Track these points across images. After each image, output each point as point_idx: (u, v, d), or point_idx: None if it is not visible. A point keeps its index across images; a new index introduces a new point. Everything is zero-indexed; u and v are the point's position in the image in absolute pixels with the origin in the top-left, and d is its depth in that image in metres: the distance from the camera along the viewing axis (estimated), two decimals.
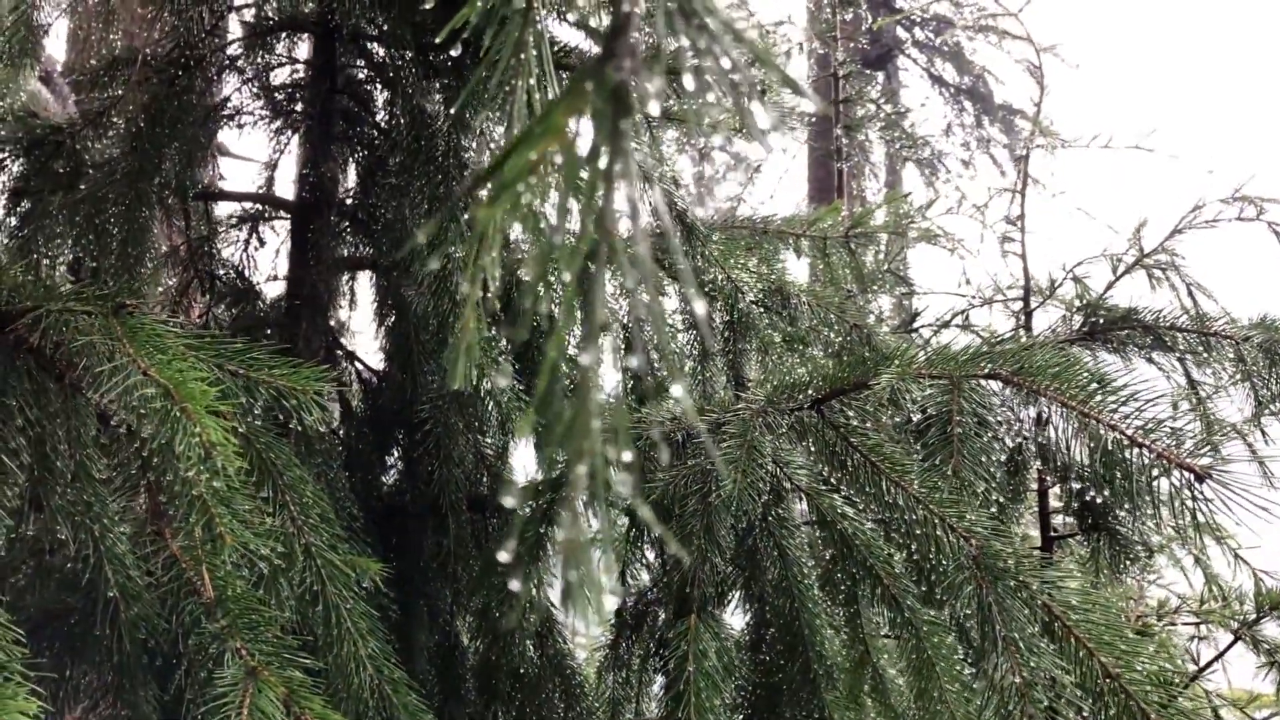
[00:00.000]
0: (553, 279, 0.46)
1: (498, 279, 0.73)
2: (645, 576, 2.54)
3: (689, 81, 0.51)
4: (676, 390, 1.86)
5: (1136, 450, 1.28)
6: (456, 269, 2.00)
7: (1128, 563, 2.47)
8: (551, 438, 0.43)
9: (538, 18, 0.76)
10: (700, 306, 2.16)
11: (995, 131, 11.32)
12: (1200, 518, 1.24)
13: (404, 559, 2.36)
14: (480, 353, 1.71)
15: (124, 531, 1.33)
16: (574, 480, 0.41)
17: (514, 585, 1.79)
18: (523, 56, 0.75)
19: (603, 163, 0.44)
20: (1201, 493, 1.22)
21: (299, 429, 1.84)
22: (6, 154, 2.31)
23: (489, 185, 0.48)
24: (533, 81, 0.76)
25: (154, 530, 1.33)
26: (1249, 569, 3.18)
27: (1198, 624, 3.33)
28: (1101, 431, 1.31)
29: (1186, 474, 1.23)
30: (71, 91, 3.75)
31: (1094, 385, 1.32)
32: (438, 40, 0.70)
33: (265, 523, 1.27)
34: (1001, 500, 1.68)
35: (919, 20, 11.08)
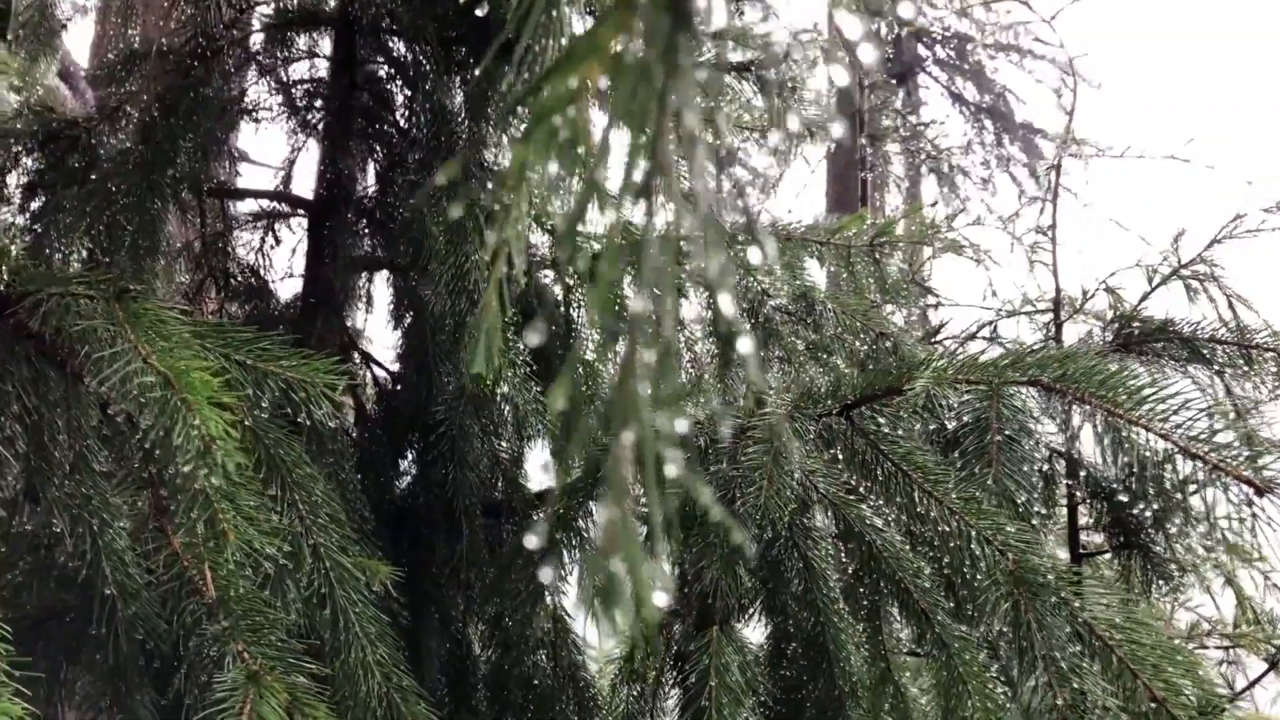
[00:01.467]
0: (595, 226, 0.41)
1: (523, 253, 0.67)
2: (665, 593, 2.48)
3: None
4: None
5: (1190, 462, 1.21)
6: (474, 269, 1.95)
7: (1160, 582, 2.39)
8: (590, 410, 0.37)
9: None
10: (726, 296, 2.10)
11: (1015, 150, 11.23)
12: (1257, 534, 1.17)
13: (416, 564, 2.30)
14: (499, 353, 1.65)
15: (124, 527, 1.27)
16: (618, 453, 0.35)
17: (544, 576, 1.73)
18: (554, 13, 0.69)
19: (657, 84, 0.38)
20: (1261, 508, 1.15)
21: (310, 427, 1.79)
22: (21, 148, 2.27)
23: (523, 118, 0.42)
24: (564, 42, 0.71)
25: (155, 526, 1.27)
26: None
27: (1229, 648, 3.25)
28: (1151, 441, 1.24)
29: (1245, 488, 1.16)
30: (90, 88, 3.72)
31: (1147, 391, 1.25)
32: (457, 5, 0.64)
33: (271, 520, 1.21)
34: (1043, 512, 1.61)
35: (939, 38, 11.02)
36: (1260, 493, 1.15)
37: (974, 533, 1.43)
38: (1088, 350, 2.07)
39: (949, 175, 9.47)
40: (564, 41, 0.68)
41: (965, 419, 1.52)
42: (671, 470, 0.35)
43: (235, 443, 1.01)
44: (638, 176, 0.36)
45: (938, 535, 1.49)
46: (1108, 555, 2.51)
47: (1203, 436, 1.21)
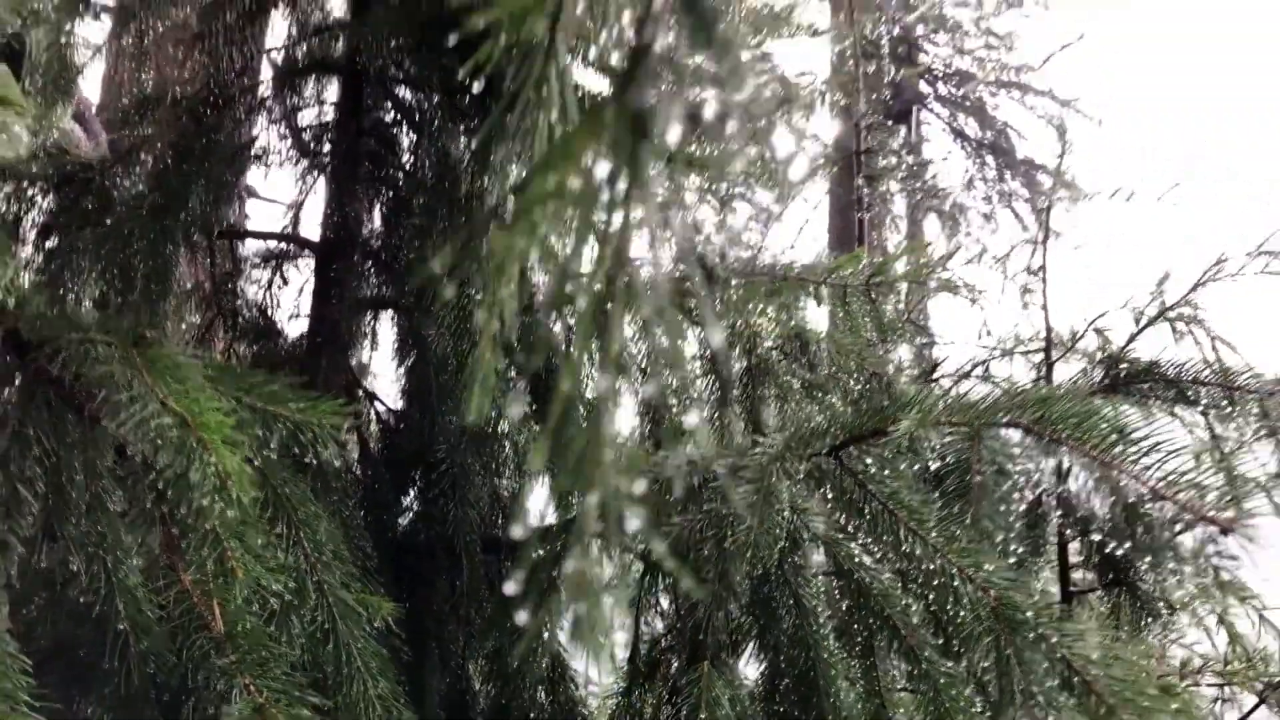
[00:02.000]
0: (568, 309, 0.46)
1: (515, 311, 0.73)
2: (660, 624, 2.52)
3: (711, 115, 0.51)
4: (691, 419, 1.86)
5: (1159, 503, 1.26)
6: (476, 309, 2.01)
7: (1149, 619, 2.43)
8: (564, 470, 0.43)
9: (559, 53, 0.76)
10: (718, 338, 2.16)
11: (1017, 186, 11.34)
12: (1224, 574, 1.22)
13: (417, 600, 2.34)
14: (497, 391, 1.71)
15: (136, 564, 1.32)
16: (585, 510, 0.41)
17: (521, 618, 1.77)
18: (544, 92, 0.75)
19: (620, 190, 0.44)
20: (1226, 547, 1.20)
21: (315, 466, 1.85)
22: (37, 190, 2.34)
23: (507, 213, 0.48)
24: (554, 117, 0.77)
25: (166, 564, 1.33)
26: (1274, 630, 3.13)
27: (1222, 685, 3.27)
28: (1123, 482, 1.29)
29: (1210, 527, 1.21)
30: (104, 129, 3.81)
31: (1114, 435, 1.30)
32: (460, 77, 0.70)
33: (278, 558, 1.26)
34: (1021, 551, 1.65)
35: (941, 75, 11.15)
36: (1224, 532, 1.20)
37: (956, 570, 1.47)
38: (1074, 391, 2.12)
39: (950, 213, 9.57)
40: (552, 114, 0.74)
41: (949, 460, 1.57)
42: (632, 525, 0.41)
43: (249, 478, 1.06)
44: (602, 274, 0.42)
45: (922, 573, 1.53)
46: (1098, 593, 2.54)
47: (1171, 479, 1.26)
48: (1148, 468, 1.28)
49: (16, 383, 1.24)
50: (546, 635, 2.13)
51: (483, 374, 0.79)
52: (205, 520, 1.16)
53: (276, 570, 1.23)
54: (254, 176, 2.56)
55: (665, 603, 2.41)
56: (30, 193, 2.34)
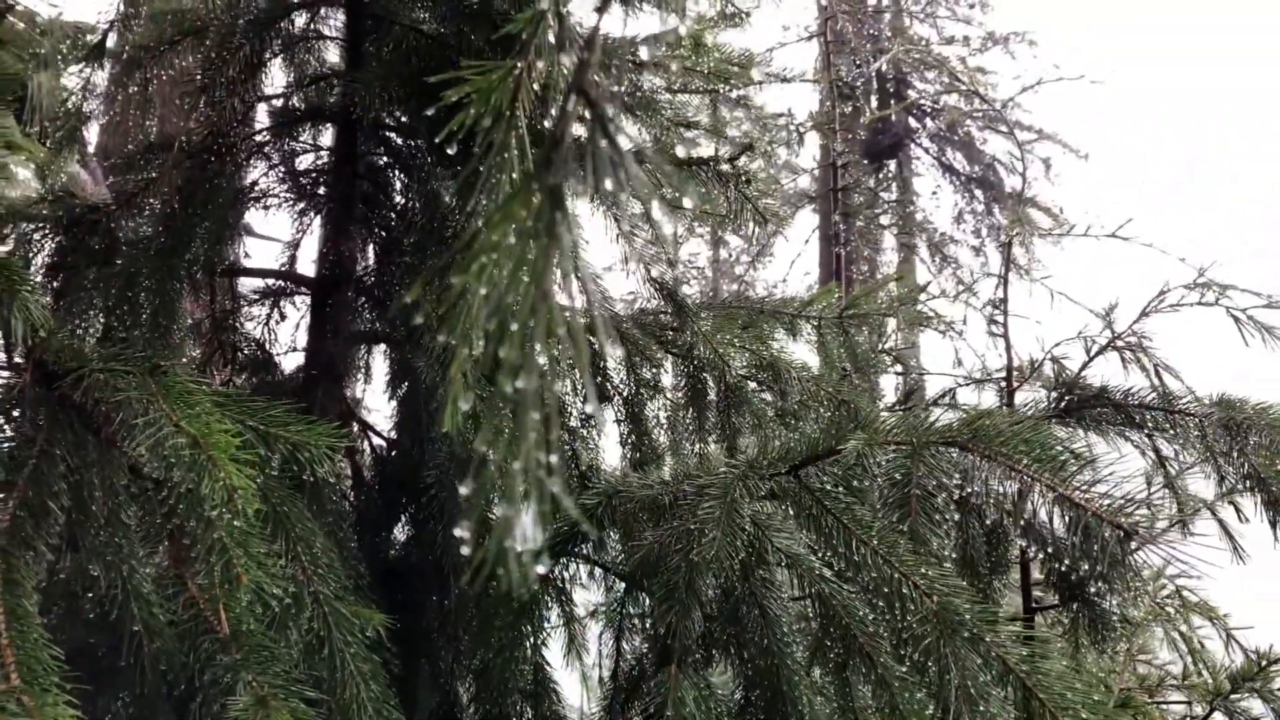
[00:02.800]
0: (508, 328, 0.60)
1: (480, 337, 0.87)
2: (640, 643, 2.64)
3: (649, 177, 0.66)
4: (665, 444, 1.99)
5: (1075, 510, 1.40)
6: (445, 336, 2.15)
7: (1106, 633, 2.55)
8: (499, 447, 0.57)
9: (518, 124, 0.93)
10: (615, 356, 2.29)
11: (1004, 219, 11.53)
12: (1135, 579, 1.35)
13: (408, 619, 2.46)
14: (479, 418, 1.84)
15: (149, 573, 1.45)
16: (513, 474, 0.54)
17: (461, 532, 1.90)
18: (504, 156, 0.91)
19: (542, 242, 0.58)
20: (1130, 549, 1.33)
21: (311, 488, 1.98)
22: (46, 232, 2.48)
23: (464, 258, 0.62)
24: (515, 175, 0.92)
25: (176, 574, 1.46)
26: (1239, 646, 3.25)
27: (1189, 702, 3.39)
28: (1040, 491, 1.43)
29: (1117, 531, 1.34)
30: (105, 173, 3.96)
31: (1036, 450, 1.44)
32: (436, 140, 0.83)
33: (278, 566, 1.39)
34: (957, 559, 1.79)
35: (929, 110, 11.36)
36: (1128, 535, 1.33)
37: (903, 577, 1.60)
38: (1025, 416, 2.26)
39: (937, 245, 9.73)
40: (513, 175, 0.89)
41: (896, 476, 1.71)
42: (552, 486, 0.55)
43: (253, 492, 1.20)
44: (528, 304, 0.56)
45: (872, 580, 1.66)
46: (1057, 609, 2.66)
47: (1085, 487, 1.40)
48: (1065, 478, 1.42)
49: (44, 408, 1.38)
50: (530, 647, 2.26)
51: (454, 392, 0.94)
52: (213, 530, 1.29)
53: (277, 576, 1.36)
54: (253, 216, 2.71)
55: (649, 624, 2.54)
56: (39, 235, 2.48)
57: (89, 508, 1.38)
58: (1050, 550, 2.34)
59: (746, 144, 2.05)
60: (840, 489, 1.79)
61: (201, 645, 1.41)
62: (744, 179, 2.06)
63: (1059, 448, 1.51)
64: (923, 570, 1.59)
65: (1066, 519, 1.52)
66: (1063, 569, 2.41)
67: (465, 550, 1.98)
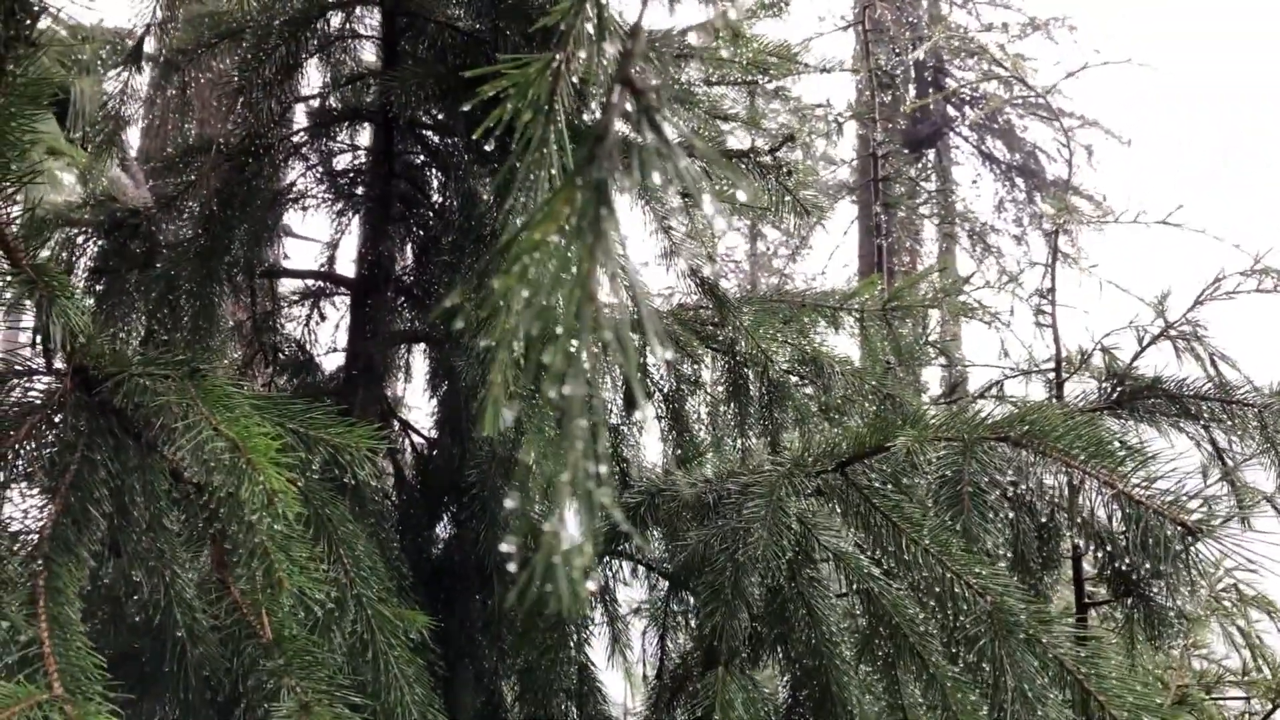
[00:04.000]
0: (552, 333, 0.57)
1: (521, 339, 0.85)
2: (685, 640, 2.62)
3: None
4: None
5: (1135, 507, 1.35)
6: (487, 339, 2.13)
7: (1162, 629, 2.49)
8: (546, 456, 0.54)
9: (557, 118, 0.90)
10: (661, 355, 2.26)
11: (1048, 207, 11.35)
12: (1196, 574, 1.31)
13: (451, 619, 2.45)
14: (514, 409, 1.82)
15: (192, 578, 1.45)
16: (560, 485, 0.52)
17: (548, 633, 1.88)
18: (544, 152, 0.88)
19: (588, 241, 0.55)
20: (1195, 547, 1.29)
21: (353, 490, 1.97)
22: (89, 236, 2.49)
23: (505, 259, 0.59)
24: (555, 171, 0.89)
25: (218, 578, 1.45)
26: None
27: (1248, 698, 3.31)
28: (1096, 488, 1.38)
29: (1180, 528, 1.30)
30: (146, 176, 3.99)
31: (1093, 446, 1.40)
32: (474, 137, 0.81)
33: (320, 570, 1.38)
34: (1009, 556, 1.74)
35: (968, 99, 11.23)
36: (1192, 534, 1.29)
37: (955, 576, 1.57)
38: (1065, 408, 2.21)
39: (979, 235, 9.62)
40: (553, 171, 0.86)
41: (947, 474, 1.67)
42: (602, 499, 0.52)
43: (293, 495, 1.18)
44: (573, 306, 0.53)
45: (924, 580, 1.63)
46: (1110, 605, 2.60)
47: (1145, 483, 1.35)
48: (1124, 474, 1.37)
49: (85, 413, 1.37)
50: (574, 646, 2.24)
51: (494, 396, 0.91)
52: (255, 535, 1.28)
53: (320, 581, 1.35)
54: (291, 217, 2.71)
55: (694, 623, 2.51)
56: (81, 239, 2.49)
57: (130, 513, 1.38)
58: (1105, 546, 2.29)
59: (788, 135, 2.01)
60: (889, 486, 1.75)
61: (245, 650, 1.40)
62: (785, 170, 2.03)
63: (1115, 442, 1.46)
64: (976, 569, 1.55)
65: (1124, 515, 1.47)
66: (1117, 565, 2.35)
67: (512, 566, 1.96)
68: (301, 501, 1.40)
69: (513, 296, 0.62)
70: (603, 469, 0.53)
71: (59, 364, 1.39)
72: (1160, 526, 1.31)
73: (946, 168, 11.03)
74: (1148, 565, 1.94)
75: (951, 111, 11.53)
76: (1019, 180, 11.42)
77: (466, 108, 0.89)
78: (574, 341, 0.55)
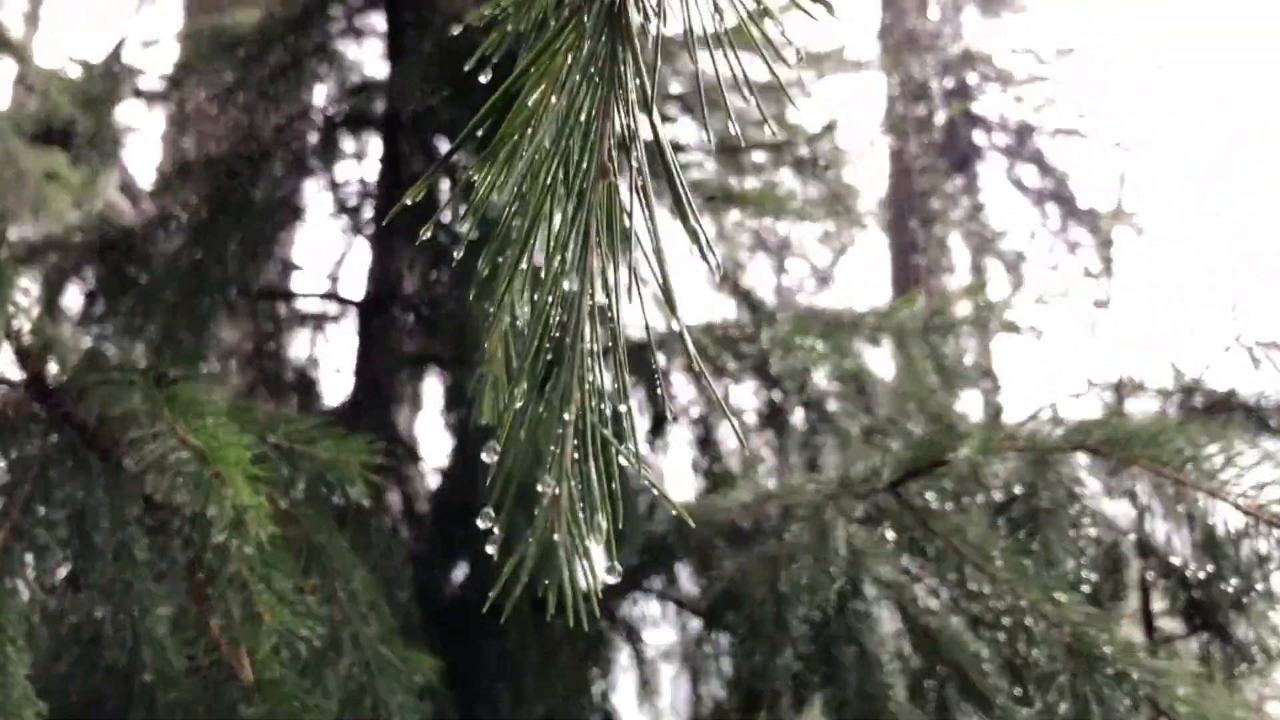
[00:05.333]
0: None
1: (525, 306, 0.68)
2: (718, 686, 2.42)
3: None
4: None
5: (1246, 519, 1.17)
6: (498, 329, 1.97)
7: (1244, 668, 2.28)
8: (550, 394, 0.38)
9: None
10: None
11: (1083, 234, 11.14)
12: None
13: (464, 661, 2.27)
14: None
15: (163, 614, 1.27)
16: (566, 433, 0.35)
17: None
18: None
19: (598, 90, 0.38)
20: None
21: (355, 515, 1.80)
22: (82, 259, 2.35)
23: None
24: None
25: (197, 612, 1.28)
26: None
27: None
28: (1201, 502, 1.20)
29: None
30: (150, 200, 3.88)
31: (1189, 451, 1.21)
32: (466, 68, 0.67)
33: (307, 603, 1.21)
34: (1095, 579, 1.55)
35: (997, 125, 11.07)
36: None
37: (1027, 606, 1.38)
38: (1155, 417, 2.02)
39: (1012, 257, 9.42)
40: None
41: (1015, 490, 1.48)
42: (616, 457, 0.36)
43: (266, 513, 1.02)
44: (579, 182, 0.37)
45: (991, 612, 1.44)
46: (1186, 639, 2.40)
47: (1256, 494, 1.17)
48: (1225, 481, 1.19)
49: (42, 426, 1.22)
50: (599, 693, 2.05)
51: (494, 372, 0.73)
52: (229, 562, 1.11)
53: (305, 616, 1.18)
54: (294, 231, 2.57)
55: (727, 665, 2.32)
56: (76, 263, 2.36)
57: (93, 541, 1.21)
58: (1178, 573, 2.09)
59: (829, 124, 1.85)
60: (949, 506, 1.56)
61: (223, 695, 1.23)
62: (824, 165, 1.86)
63: (1211, 446, 1.28)
64: (1054, 597, 1.36)
65: (1225, 531, 1.29)
66: (1193, 594, 2.16)
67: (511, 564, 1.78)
68: (285, 523, 1.24)
69: (521, 246, 0.45)
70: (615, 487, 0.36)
71: (12, 371, 1.24)
72: (1270, 538, 1.12)
73: (976, 195, 10.84)
74: (1236, 588, 1.74)
75: (980, 139, 11.36)
76: (1051, 208, 11.20)
77: (469, 66, 0.75)
78: (573, 238, 0.39)
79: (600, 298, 0.38)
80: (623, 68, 0.39)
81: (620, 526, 0.42)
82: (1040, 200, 9.99)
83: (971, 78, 8.98)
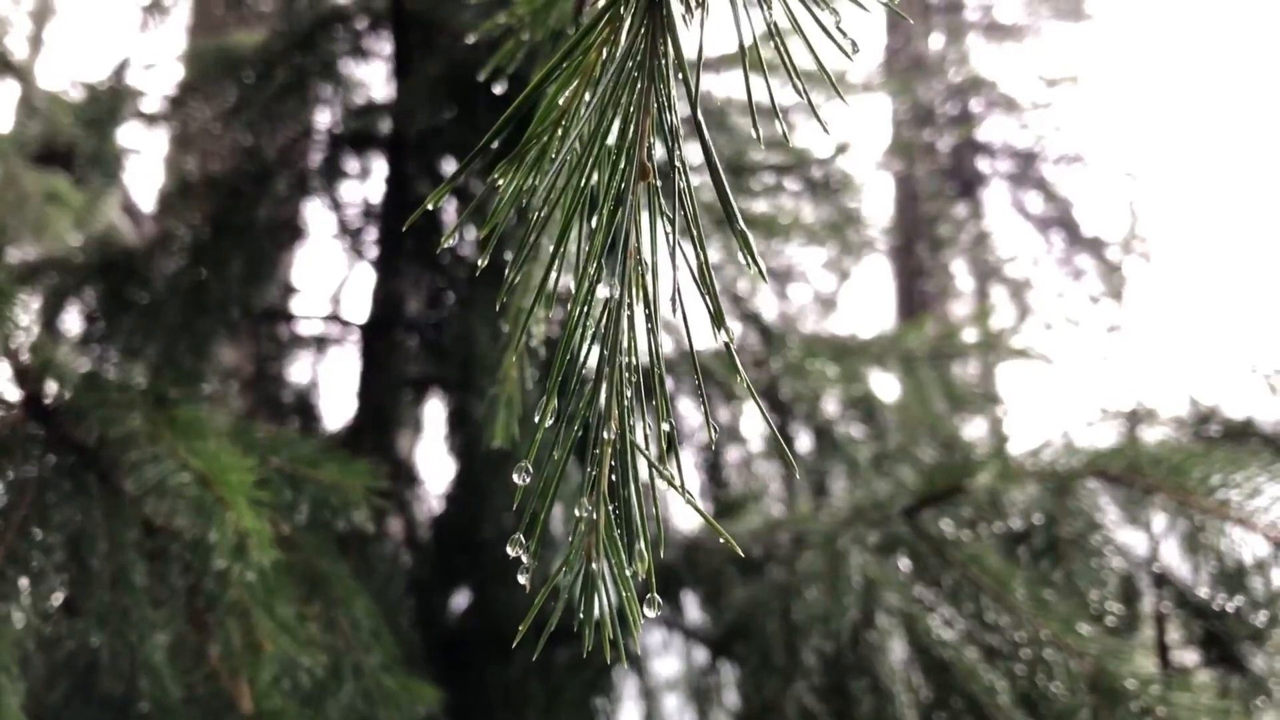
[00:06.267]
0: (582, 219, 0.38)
1: (543, 323, 0.65)
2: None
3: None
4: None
5: (1273, 548, 1.13)
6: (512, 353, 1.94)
7: (1262, 699, 2.24)
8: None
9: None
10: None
11: (1087, 261, 11.10)
12: None
13: (467, 692, 2.23)
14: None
15: (162, 641, 1.24)
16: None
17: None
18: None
19: (637, 84, 0.36)
20: None
21: (358, 543, 1.76)
22: (82, 280, 2.32)
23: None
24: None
25: (197, 640, 1.24)
26: None
27: None
28: (1226, 531, 1.16)
29: None
30: (154, 221, 3.86)
31: (1215, 480, 1.18)
32: (481, 79, 0.64)
33: (309, 631, 1.17)
34: (1119, 609, 1.51)
35: (998, 153, 11.05)
36: None
37: (1046, 637, 1.34)
38: (1177, 443, 1.98)
39: (1018, 283, 9.39)
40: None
41: (1034, 519, 1.45)
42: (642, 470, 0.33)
43: (269, 539, 0.98)
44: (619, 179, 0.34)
45: (1009, 644, 1.40)
46: (1201, 672, 2.36)
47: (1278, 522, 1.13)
48: (1255, 510, 1.15)
49: (39, 448, 1.18)
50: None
51: (507, 393, 0.70)
52: (230, 588, 1.08)
53: (307, 645, 1.14)
54: (299, 259, 2.54)
55: (733, 695, 2.27)
56: (76, 283, 2.33)
57: (90, 566, 1.18)
58: (1194, 604, 2.04)
59: (840, 146, 1.83)
60: (965, 534, 1.53)
61: None
62: (835, 186, 1.84)
63: (1238, 476, 1.24)
64: (1076, 628, 1.32)
65: (1252, 558, 1.25)
66: (1209, 626, 2.12)
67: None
68: (286, 548, 1.20)
69: (536, 254, 0.43)
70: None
71: (11, 392, 1.21)
72: None
73: (980, 223, 10.82)
74: (1260, 620, 1.71)
75: (984, 167, 11.34)
76: (1055, 235, 11.16)
77: (483, 77, 0.72)
78: (610, 244, 0.36)
79: (640, 308, 0.35)
80: (663, 61, 0.36)
81: (662, 555, 0.39)
82: (1044, 227, 9.96)
83: (975, 104, 8.99)
